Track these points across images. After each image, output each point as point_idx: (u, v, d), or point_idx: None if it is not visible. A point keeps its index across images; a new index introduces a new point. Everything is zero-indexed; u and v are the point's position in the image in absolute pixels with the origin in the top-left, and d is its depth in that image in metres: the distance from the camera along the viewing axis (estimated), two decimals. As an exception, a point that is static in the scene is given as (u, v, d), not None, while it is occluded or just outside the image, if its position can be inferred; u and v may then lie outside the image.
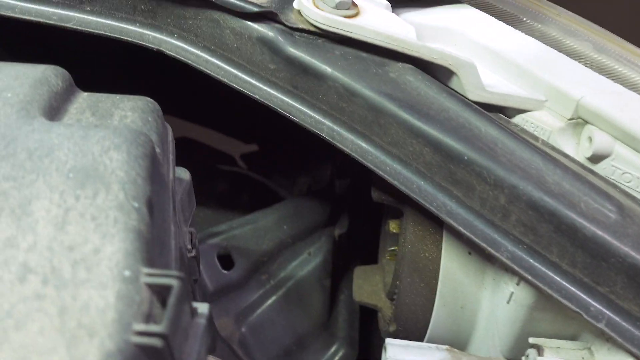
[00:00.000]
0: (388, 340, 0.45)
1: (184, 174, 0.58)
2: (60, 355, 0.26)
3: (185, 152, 1.08)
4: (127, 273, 0.30)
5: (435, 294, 0.51)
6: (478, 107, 0.46)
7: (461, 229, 0.43)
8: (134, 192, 0.34)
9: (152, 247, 0.33)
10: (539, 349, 0.45)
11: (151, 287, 0.30)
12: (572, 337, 0.46)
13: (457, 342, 0.53)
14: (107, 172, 0.35)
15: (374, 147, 0.46)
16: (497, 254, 0.42)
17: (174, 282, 0.30)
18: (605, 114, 0.44)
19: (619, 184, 0.45)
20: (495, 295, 0.49)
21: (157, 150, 0.41)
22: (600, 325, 0.40)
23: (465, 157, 0.43)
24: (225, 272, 0.71)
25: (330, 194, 0.81)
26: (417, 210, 0.51)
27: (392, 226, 0.58)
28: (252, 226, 0.75)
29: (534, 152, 0.42)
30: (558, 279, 0.41)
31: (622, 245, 0.39)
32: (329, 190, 0.82)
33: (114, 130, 0.37)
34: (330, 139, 0.47)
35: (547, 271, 0.41)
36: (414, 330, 0.53)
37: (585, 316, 0.40)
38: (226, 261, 0.73)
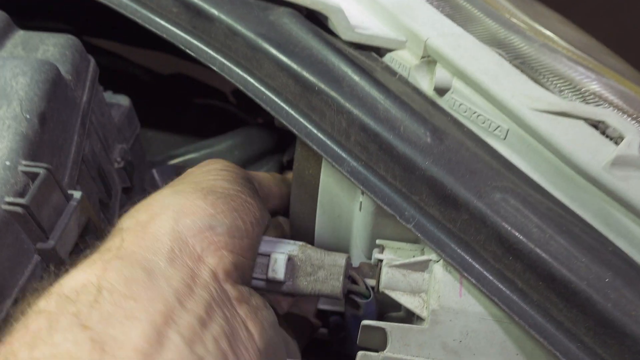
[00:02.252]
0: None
1: (123, 100, 0.69)
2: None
3: (176, 87, 1.19)
4: (7, 163, 0.41)
5: (316, 204, 0.61)
6: (338, 47, 0.54)
7: (315, 147, 0.53)
8: (29, 106, 0.45)
9: (37, 148, 0.44)
10: (382, 248, 0.55)
11: (27, 173, 0.42)
12: (414, 241, 0.55)
13: (340, 245, 0.63)
14: (12, 92, 0.46)
15: (254, 79, 0.55)
16: (340, 169, 0.52)
17: (40, 171, 0.41)
18: (443, 52, 0.52)
19: (457, 114, 0.53)
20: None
21: (69, 77, 0.52)
22: (409, 226, 0.49)
23: (316, 88, 0.51)
24: (182, 189, 0.83)
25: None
26: (303, 134, 0.60)
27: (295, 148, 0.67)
28: (207, 150, 0.86)
29: (373, 85, 0.51)
30: (384, 188, 0.50)
31: (424, 161, 0.47)
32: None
33: (25, 61, 0.48)
34: (221, 72, 0.56)
35: (376, 182, 0.50)
36: (305, 234, 0.64)
37: (399, 219, 0.49)
38: (184, 180, 0.84)
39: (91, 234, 0.48)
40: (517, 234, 0.44)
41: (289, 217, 0.64)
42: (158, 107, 0.97)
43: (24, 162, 0.42)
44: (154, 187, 0.83)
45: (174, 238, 0.42)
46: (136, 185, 0.71)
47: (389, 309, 0.61)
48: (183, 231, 0.42)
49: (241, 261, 0.46)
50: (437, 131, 0.49)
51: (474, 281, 0.47)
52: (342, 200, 0.60)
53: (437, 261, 0.50)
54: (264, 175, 0.64)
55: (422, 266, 0.51)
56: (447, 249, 0.48)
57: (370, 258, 0.59)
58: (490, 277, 0.46)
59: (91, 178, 0.54)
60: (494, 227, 0.45)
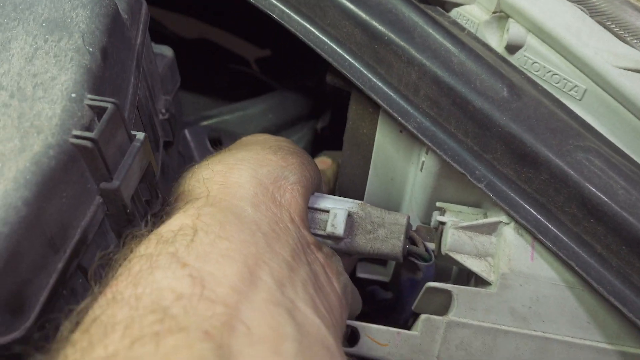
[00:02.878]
0: (315, 193, 0.53)
1: (167, 51, 0.67)
2: (14, 143, 0.36)
3: (202, 52, 1.16)
4: (73, 95, 0.39)
5: (369, 165, 0.59)
6: (409, -4, 0.51)
7: (380, 102, 0.50)
8: (91, 40, 0.43)
9: (101, 83, 0.42)
10: (443, 211, 0.52)
11: (93, 108, 0.39)
12: (476, 205, 0.53)
13: (389, 209, 0.60)
14: (72, 24, 0.43)
15: (315, 28, 0.53)
16: (407, 124, 0.49)
17: (109, 105, 0.39)
18: (520, 7, 0.49)
19: (529, 73, 0.51)
20: (417, 168, 0.56)
21: (125, 16, 0.49)
22: (481, 186, 0.47)
23: (386, 38, 0.49)
24: (214, 151, 0.81)
25: (318, 90, 0.88)
26: (359, 91, 0.58)
27: (349, 107, 0.65)
28: (240, 113, 0.83)
29: (446, 37, 0.48)
30: (454, 146, 0.48)
31: (502, 116, 0.45)
32: (318, 87, 0.89)
33: (83, -7, 0.46)
34: (281, 19, 0.54)
35: (446, 140, 0.48)
36: (354, 197, 0.61)
37: (470, 177, 0.47)
38: (216, 143, 0.82)
39: (150, 179, 0.46)
40: (601, 195, 0.42)
41: (338, 179, 0.62)
42: (188, 68, 0.94)
43: (89, 96, 0.39)
44: (186, 147, 0.80)
45: (256, 184, 0.43)
46: (173, 143, 0.69)
47: (437, 278, 0.59)
48: (262, 179, 0.44)
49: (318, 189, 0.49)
50: (515, 87, 0.47)
51: (549, 244, 0.45)
52: (397, 162, 0.58)
53: (508, 223, 0.48)
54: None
55: (490, 229, 0.49)
56: (521, 211, 0.46)
57: (426, 222, 0.57)
58: (567, 241, 0.44)
59: (142, 125, 0.52)
60: (576, 188, 0.43)
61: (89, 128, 0.39)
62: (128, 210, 0.42)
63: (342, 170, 0.61)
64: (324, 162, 0.76)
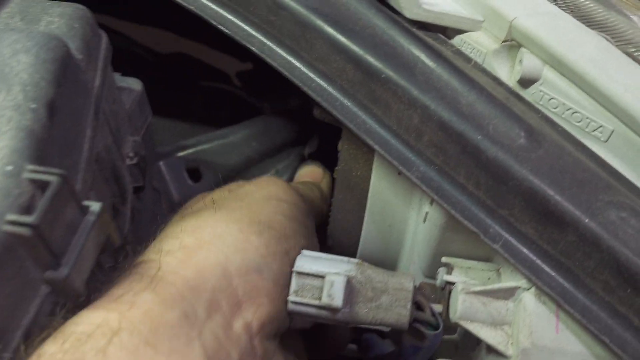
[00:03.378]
0: (304, 252, 0.46)
1: (135, 84, 0.59)
2: None
3: (178, 69, 1.09)
4: (9, 168, 0.32)
5: (364, 211, 0.52)
6: (407, 26, 0.45)
7: (377, 147, 0.44)
8: (35, 94, 0.36)
9: (46, 147, 0.35)
10: (450, 268, 0.46)
11: (35, 182, 0.32)
12: (486, 259, 0.47)
13: (387, 260, 0.54)
14: (12, 74, 0.36)
15: (301, 63, 0.46)
16: (409, 174, 0.43)
17: (52, 179, 0.32)
18: (535, 36, 0.43)
19: (545, 110, 0.45)
20: (418, 216, 0.50)
21: (79, 56, 0.42)
22: (496, 247, 0.40)
23: (383, 75, 0.43)
24: (192, 184, 0.74)
25: (304, 113, 0.81)
26: (351, 129, 0.52)
27: (340, 145, 0.58)
28: (220, 141, 0.76)
29: (453, 73, 0.42)
30: (463, 199, 0.42)
31: (521, 168, 0.39)
32: (304, 109, 0.82)
33: (27, 34, 0.39)
34: (261, 53, 0.47)
35: (453, 192, 0.42)
36: (347, 246, 0.55)
37: (483, 237, 0.41)
38: (195, 174, 0.75)
39: (107, 253, 0.39)
40: (640, 262, 0.36)
41: (329, 225, 0.56)
42: (162, 90, 0.87)
43: (30, 167, 0.32)
44: (161, 182, 0.73)
45: (220, 276, 0.36)
46: (146, 182, 0.62)
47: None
48: (230, 269, 0.37)
49: (279, 311, 0.41)
50: (534, 132, 0.41)
51: (577, 315, 0.39)
52: (396, 207, 0.51)
53: (528, 289, 0.41)
54: (305, 190, 0.56)
55: (507, 294, 0.42)
56: (544, 276, 0.40)
57: (429, 276, 0.51)
58: (599, 312, 0.38)
59: (104, 180, 0.45)
60: (610, 252, 0.37)
61: (29, 208, 0.32)
62: (81, 299, 0.35)
63: (334, 215, 0.54)
64: (315, 172, 0.68)
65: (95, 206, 0.36)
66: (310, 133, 0.81)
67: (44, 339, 0.32)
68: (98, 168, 0.44)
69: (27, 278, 0.32)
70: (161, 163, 0.73)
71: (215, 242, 0.38)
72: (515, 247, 0.40)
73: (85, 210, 0.35)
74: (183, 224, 0.40)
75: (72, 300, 0.34)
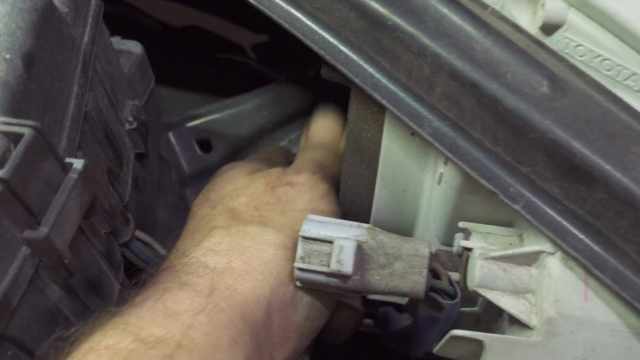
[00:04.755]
0: (310, 216, 0.44)
1: (134, 47, 0.57)
2: None
3: (191, 41, 1.06)
4: (-21, 120, 0.30)
5: (375, 175, 0.49)
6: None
7: (385, 102, 0.41)
8: (10, 44, 0.33)
9: (23, 99, 0.33)
10: (467, 233, 0.43)
11: (7, 135, 0.30)
12: (507, 224, 0.43)
13: (401, 228, 0.51)
14: (-15, 24, 0.34)
15: (302, 14, 0.43)
16: (420, 130, 0.40)
17: (25, 130, 0.30)
18: (559, -24, 0.39)
19: (571, 59, 0.40)
20: (433, 179, 0.46)
21: (64, 9, 0.40)
22: (517, 207, 0.37)
23: (390, 23, 0.39)
24: (203, 154, 0.72)
25: (317, 82, 0.78)
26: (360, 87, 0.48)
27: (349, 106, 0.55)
28: (231, 110, 0.74)
29: (466, 18, 0.38)
30: (480, 156, 0.38)
31: (543, 119, 0.35)
32: (316, 78, 0.79)
33: (5, -17, 0.36)
34: (259, 5, 0.44)
35: (469, 148, 0.38)
36: (359, 213, 0.52)
37: (502, 197, 0.37)
38: (205, 144, 0.72)
39: (99, 215, 0.36)
40: (679, 220, 0.32)
41: (339, 190, 0.53)
42: (173, 61, 0.84)
43: (2, 119, 0.30)
44: (171, 153, 0.71)
45: (263, 310, 0.38)
46: (151, 151, 0.59)
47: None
48: (273, 304, 0.39)
49: (305, 343, 0.43)
50: (557, 79, 0.37)
51: (608, 281, 0.35)
52: (409, 170, 0.48)
53: (553, 253, 0.38)
54: (332, 168, 0.54)
55: (530, 259, 0.39)
56: (571, 238, 0.36)
57: (445, 243, 0.47)
58: (632, 277, 0.35)
59: (97, 142, 0.42)
60: (644, 210, 0.33)
61: (1, 162, 0.29)
62: (65, 261, 0.32)
63: (344, 181, 0.51)
64: (332, 128, 0.62)
65: (77, 163, 0.33)
66: (325, 101, 0.77)
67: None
68: (89, 129, 0.41)
69: (4, 237, 0.30)
70: (170, 133, 0.70)
71: (263, 271, 0.39)
72: (538, 207, 0.37)
73: (67, 167, 0.33)
74: (230, 234, 0.42)
75: (54, 262, 0.32)
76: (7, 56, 0.33)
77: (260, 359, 0.37)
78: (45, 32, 0.36)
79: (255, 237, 0.42)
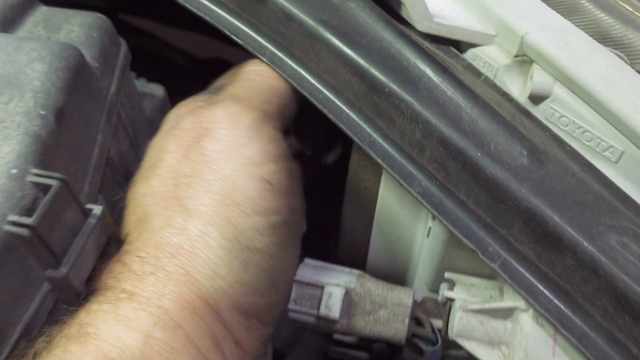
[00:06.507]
0: (306, 260, 0.47)
1: (157, 90, 0.62)
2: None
3: (216, 73, 1.11)
4: (14, 171, 0.34)
5: (372, 222, 0.52)
6: (417, 39, 0.45)
7: (380, 160, 0.44)
8: (45, 100, 0.38)
9: (52, 152, 0.37)
10: (452, 284, 0.46)
11: (37, 185, 0.34)
12: (490, 277, 0.46)
13: (395, 272, 0.54)
14: (25, 81, 0.38)
15: (310, 74, 0.47)
16: (410, 188, 0.43)
17: (53, 182, 0.34)
18: (545, 52, 0.42)
19: (555, 128, 0.44)
20: (425, 230, 0.49)
21: (95, 64, 0.44)
22: (494, 266, 0.40)
23: (387, 89, 0.43)
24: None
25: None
26: (362, 140, 0.52)
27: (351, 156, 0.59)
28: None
29: (458, 89, 0.42)
30: (463, 216, 0.41)
31: (520, 188, 0.38)
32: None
33: (43, 43, 0.41)
34: (271, 63, 0.48)
35: (454, 208, 0.42)
36: (356, 257, 0.55)
37: (482, 255, 0.40)
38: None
39: (112, 253, 0.40)
40: None
41: (339, 234, 0.56)
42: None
43: (34, 171, 0.34)
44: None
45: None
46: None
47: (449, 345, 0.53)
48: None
49: (268, 332, 0.39)
50: (537, 150, 0.40)
51: (573, 340, 0.38)
52: (404, 220, 0.51)
53: (525, 310, 0.41)
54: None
55: (505, 314, 0.42)
56: (541, 298, 0.39)
57: (433, 290, 0.51)
58: (596, 338, 0.37)
59: (116, 184, 0.46)
60: (608, 279, 0.36)
61: (31, 209, 0.34)
62: (81, 297, 0.36)
63: (343, 225, 0.55)
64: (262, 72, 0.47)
65: (97, 209, 0.37)
66: (333, 140, 0.81)
67: (46, 339, 0.33)
68: (110, 172, 0.45)
69: (28, 276, 0.34)
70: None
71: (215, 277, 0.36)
72: (513, 267, 0.40)
73: (87, 213, 0.37)
74: (170, 224, 0.37)
75: (71, 298, 0.36)
76: (42, 112, 0.37)
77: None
78: (76, 88, 0.40)
79: (198, 239, 0.36)
